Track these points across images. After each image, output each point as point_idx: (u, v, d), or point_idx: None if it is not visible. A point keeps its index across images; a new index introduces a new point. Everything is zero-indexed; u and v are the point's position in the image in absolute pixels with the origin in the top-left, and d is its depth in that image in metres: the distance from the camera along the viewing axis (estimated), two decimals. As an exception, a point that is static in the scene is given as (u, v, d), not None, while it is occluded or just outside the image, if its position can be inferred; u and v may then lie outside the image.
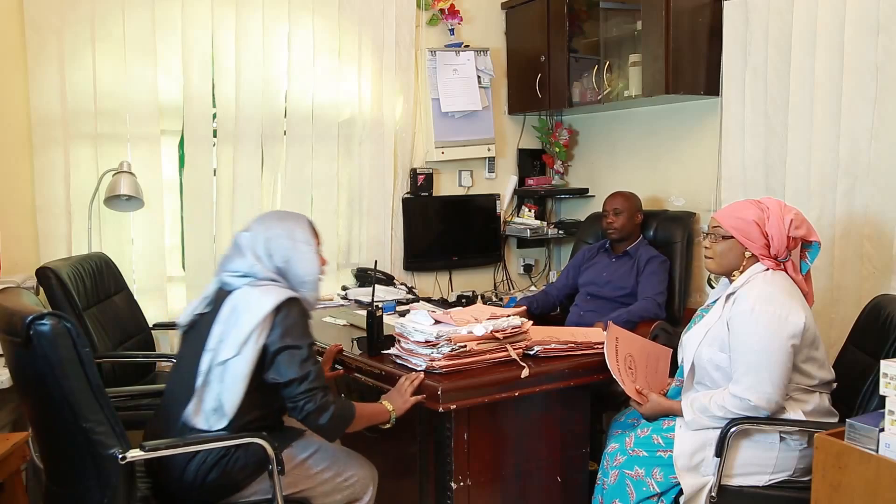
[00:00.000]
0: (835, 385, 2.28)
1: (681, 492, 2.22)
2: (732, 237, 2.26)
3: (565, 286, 3.52)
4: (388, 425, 2.21)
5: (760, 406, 2.12)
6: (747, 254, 2.26)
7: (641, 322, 3.07)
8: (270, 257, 2.06)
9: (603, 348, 2.60)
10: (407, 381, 2.25)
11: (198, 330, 2.05)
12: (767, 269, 2.24)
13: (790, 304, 2.16)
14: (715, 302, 2.38)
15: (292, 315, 1.97)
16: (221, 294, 2.05)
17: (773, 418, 2.17)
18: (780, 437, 2.19)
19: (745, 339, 2.16)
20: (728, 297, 2.27)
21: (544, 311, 3.50)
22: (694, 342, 2.31)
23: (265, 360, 1.95)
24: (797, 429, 2.18)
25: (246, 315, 1.94)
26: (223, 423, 1.94)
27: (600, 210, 3.50)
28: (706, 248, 2.35)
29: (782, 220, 2.22)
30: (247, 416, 1.97)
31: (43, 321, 1.66)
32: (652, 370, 2.56)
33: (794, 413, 2.18)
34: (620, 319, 3.05)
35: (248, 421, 1.98)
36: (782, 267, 2.26)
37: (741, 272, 2.28)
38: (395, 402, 2.21)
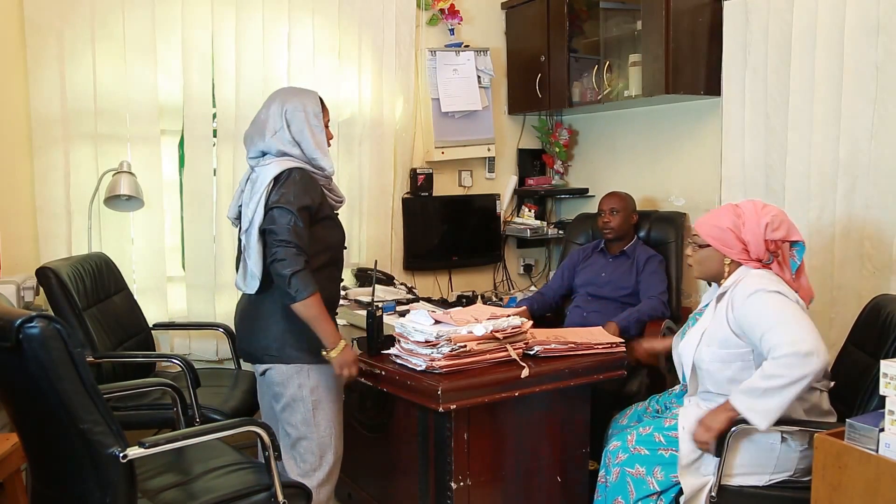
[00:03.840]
0: (832, 384, 2.29)
1: (681, 491, 2.22)
2: (710, 245, 2.31)
3: (561, 287, 3.52)
4: (325, 352, 2.27)
5: (811, 352, 2.02)
6: (727, 260, 2.29)
7: (651, 321, 3.08)
8: (288, 128, 2.32)
9: (604, 349, 2.60)
10: (349, 371, 2.30)
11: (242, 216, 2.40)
12: (755, 269, 2.27)
13: (786, 289, 2.19)
14: (706, 306, 2.40)
15: (290, 181, 2.24)
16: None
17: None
18: (782, 437, 2.19)
19: (758, 316, 2.14)
20: (719, 297, 2.29)
21: (541, 313, 3.49)
22: (692, 345, 2.32)
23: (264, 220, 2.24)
24: (798, 429, 2.18)
25: (254, 189, 2.27)
26: (256, 285, 2.28)
27: (593, 210, 3.51)
28: (688, 255, 2.42)
29: (758, 225, 2.24)
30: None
31: (32, 324, 1.62)
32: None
33: (794, 412, 2.18)
34: (631, 319, 3.08)
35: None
36: (769, 268, 2.27)
37: (727, 276, 2.30)
38: (343, 355, 2.26)
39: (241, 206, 2.41)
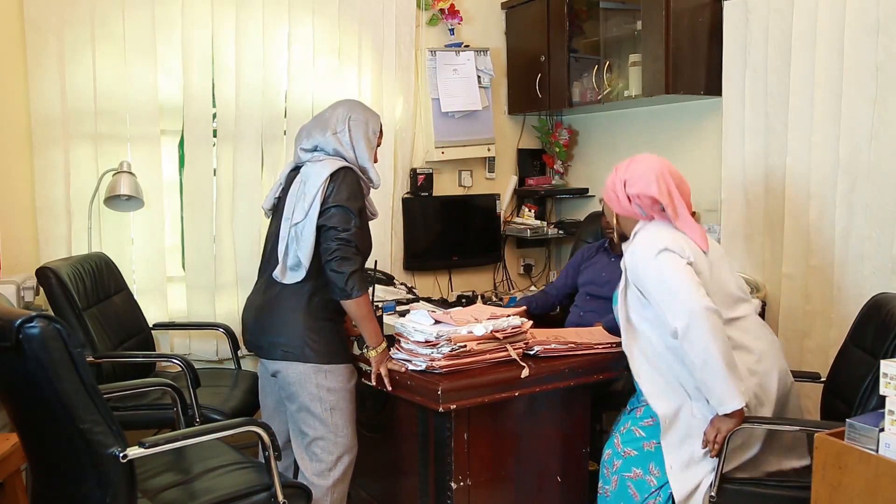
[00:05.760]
0: (758, 304, 2.35)
1: None
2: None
3: (565, 286, 3.51)
4: (363, 350, 2.43)
5: (688, 326, 2.07)
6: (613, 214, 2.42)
7: None
8: (348, 132, 2.42)
9: (604, 349, 2.60)
10: (385, 369, 2.39)
11: (279, 208, 2.46)
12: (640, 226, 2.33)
13: (672, 239, 2.22)
14: None
15: (346, 181, 2.33)
16: (292, 175, 2.46)
17: (770, 418, 2.18)
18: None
19: (645, 283, 2.20)
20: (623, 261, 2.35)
21: (544, 311, 3.49)
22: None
23: (322, 215, 2.30)
24: (797, 428, 2.19)
25: (309, 184, 2.33)
26: (301, 276, 2.32)
27: (600, 209, 3.50)
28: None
29: (617, 181, 2.33)
30: (322, 276, 2.33)
31: (32, 324, 1.62)
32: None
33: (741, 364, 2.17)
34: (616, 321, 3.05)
35: (324, 284, 2.33)
36: (664, 217, 2.31)
37: (616, 230, 2.44)
38: (382, 354, 2.39)
39: (277, 198, 2.49)
